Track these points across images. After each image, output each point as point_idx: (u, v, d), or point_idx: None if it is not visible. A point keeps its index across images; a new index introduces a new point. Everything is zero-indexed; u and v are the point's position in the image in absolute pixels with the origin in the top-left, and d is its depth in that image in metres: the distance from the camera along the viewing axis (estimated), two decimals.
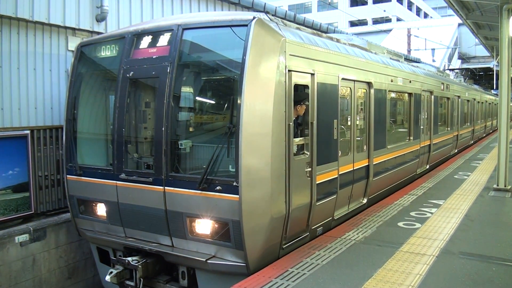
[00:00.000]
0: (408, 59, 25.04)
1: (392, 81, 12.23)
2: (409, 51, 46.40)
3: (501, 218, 10.14)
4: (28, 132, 9.75)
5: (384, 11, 67.56)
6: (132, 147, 8.54)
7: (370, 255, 7.53)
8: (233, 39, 7.25)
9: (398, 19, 76.84)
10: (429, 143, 16.24)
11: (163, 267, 8.08)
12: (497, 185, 12.92)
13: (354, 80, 9.93)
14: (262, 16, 7.30)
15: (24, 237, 9.26)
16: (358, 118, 10.36)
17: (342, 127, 9.49)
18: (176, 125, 7.89)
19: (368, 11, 79.73)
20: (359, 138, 10.44)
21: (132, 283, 7.99)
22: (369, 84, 10.71)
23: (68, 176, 9.09)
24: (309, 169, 8.02)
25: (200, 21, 7.85)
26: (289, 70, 7.31)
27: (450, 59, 59.40)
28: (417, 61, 32.45)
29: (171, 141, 7.62)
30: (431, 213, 10.25)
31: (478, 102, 29.90)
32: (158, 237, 7.95)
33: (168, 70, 7.59)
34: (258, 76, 6.93)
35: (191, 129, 8.25)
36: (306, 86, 7.98)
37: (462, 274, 6.70)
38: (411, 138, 14.20)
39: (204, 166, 7.23)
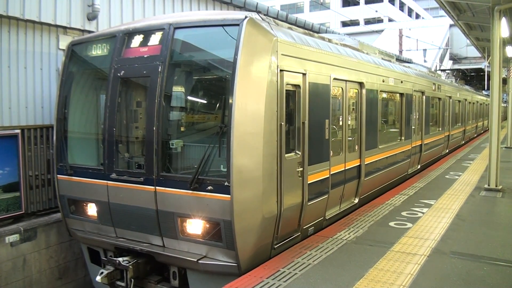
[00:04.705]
0: (399, 60, 25.14)
1: (383, 81, 12.25)
2: (400, 51, 46.58)
3: (492, 218, 10.19)
4: (18, 131, 9.68)
5: (376, 11, 67.72)
6: (123, 147, 8.51)
7: (361, 255, 7.53)
8: (224, 39, 7.24)
9: (390, 20, 77.05)
10: (420, 143, 16.29)
11: (154, 267, 8.05)
12: (488, 185, 12.99)
13: (345, 80, 9.94)
14: (254, 15, 7.29)
15: (14, 237, 9.20)
16: (349, 118, 10.37)
17: (333, 127, 9.50)
18: (167, 124, 7.87)
19: (360, 12, 79.91)
20: (350, 138, 10.46)
21: (123, 284, 7.96)
22: (361, 84, 10.72)
23: (58, 175, 9.04)
24: (301, 169, 8.02)
25: (191, 20, 7.83)
26: (280, 70, 7.30)
27: (441, 60, 59.67)
28: (409, 61, 32.54)
29: (162, 140, 7.60)
30: (423, 213, 10.28)
31: (469, 102, 30.04)
32: (149, 237, 7.92)
33: (160, 69, 7.56)
34: (250, 76, 6.91)
35: (182, 129, 8.23)
36: (297, 86, 7.97)
37: (453, 274, 6.72)
38: (403, 138, 14.23)
39: (195, 166, 7.21)
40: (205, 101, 8.79)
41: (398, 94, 14.07)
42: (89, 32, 11.11)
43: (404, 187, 13.44)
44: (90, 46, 8.90)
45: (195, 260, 7.25)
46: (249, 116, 6.84)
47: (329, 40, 10.09)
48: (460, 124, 25.92)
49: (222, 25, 7.35)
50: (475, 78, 56.09)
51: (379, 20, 76.02)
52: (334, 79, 9.29)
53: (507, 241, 8.35)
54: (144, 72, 7.87)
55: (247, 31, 6.89)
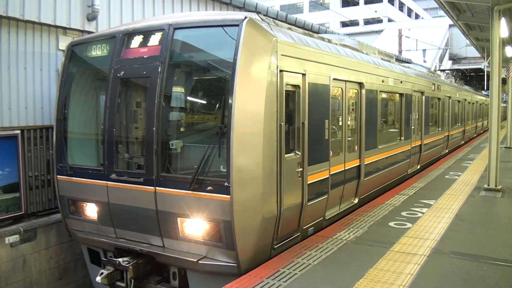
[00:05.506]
0: (399, 60, 25.14)
1: (383, 81, 12.26)
2: (400, 51, 46.59)
3: (492, 218, 10.19)
4: (18, 132, 9.68)
5: (376, 11, 67.75)
6: (123, 147, 8.50)
7: (361, 255, 7.54)
8: (224, 39, 7.25)
9: (390, 20, 77.10)
10: (420, 143, 16.30)
11: (154, 267, 8.05)
12: (488, 185, 12.99)
13: (345, 81, 9.94)
14: (254, 16, 7.30)
15: (14, 238, 9.20)
16: (349, 118, 10.37)
17: (333, 127, 9.50)
18: (167, 125, 7.87)
19: (359, 12, 79.96)
20: (350, 138, 10.46)
21: (123, 284, 7.96)
22: (361, 84, 10.73)
23: (58, 176, 9.04)
24: (301, 169, 8.02)
25: (191, 20, 7.83)
26: (280, 70, 7.30)
27: (441, 60, 59.65)
28: (408, 61, 32.56)
29: (162, 141, 7.60)
30: (422, 213, 10.28)
31: (469, 102, 30.06)
32: (149, 238, 7.92)
33: (159, 70, 7.56)
34: (250, 76, 6.92)
35: (182, 129, 8.21)
36: (297, 86, 7.98)
37: (453, 274, 6.73)
38: (402, 138, 14.24)
39: (195, 166, 7.21)
40: (205, 102, 8.79)
41: (397, 94, 14.07)
42: (89, 32, 11.11)
43: (403, 187, 13.44)
44: (90, 46, 8.90)
45: (195, 260, 7.25)
46: (249, 117, 6.85)
47: (329, 41, 10.09)
48: (459, 124, 25.93)
49: (222, 26, 7.35)
50: (474, 78, 56.11)
51: (379, 20, 76.05)
52: (334, 79, 9.30)
53: (507, 241, 8.36)
54: (144, 72, 7.87)
55: (246, 32, 6.89)
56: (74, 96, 9.22)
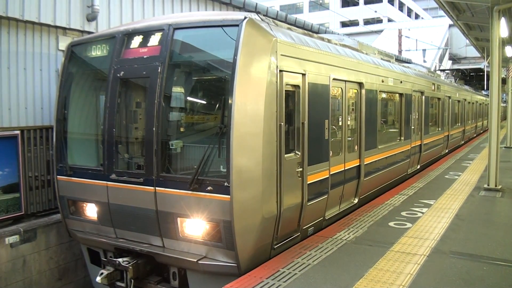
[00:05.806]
0: (399, 60, 25.13)
1: (383, 81, 12.26)
2: (400, 51, 46.59)
3: (492, 218, 10.19)
4: (18, 132, 9.68)
5: (375, 12, 67.73)
6: (122, 148, 8.50)
7: (361, 255, 7.54)
8: (224, 39, 7.24)
9: (389, 20, 77.08)
10: (420, 143, 16.30)
11: (154, 268, 8.05)
12: (488, 185, 12.99)
13: (345, 81, 9.95)
14: (254, 16, 7.30)
15: (14, 238, 9.20)
16: (349, 118, 10.38)
17: (333, 127, 9.50)
18: (167, 125, 7.86)
19: (359, 12, 79.97)
20: (350, 138, 10.46)
21: (123, 284, 7.97)
22: (360, 84, 10.73)
23: (58, 176, 9.04)
24: (300, 169, 8.02)
25: (191, 21, 7.83)
26: (280, 70, 7.31)
27: (441, 60, 59.65)
28: (408, 61, 32.54)
29: (162, 141, 7.60)
30: (422, 213, 10.28)
31: (469, 102, 30.07)
32: (149, 238, 7.92)
33: (159, 70, 7.55)
34: (249, 76, 6.91)
35: (182, 129, 8.21)
36: (297, 86, 7.98)
37: (453, 274, 6.73)
38: (402, 138, 14.24)
39: (195, 167, 7.21)
40: (204, 102, 8.79)
41: (397, 94, 14.07)
42: (89, 33, 11.11)
43: (403, 187, 13.44)
44: (90, 47, 8.89)
45: (195, 260, 7.25)
46: (248, 117, 6.85)
47: (329, 41, 10.09)
48: (459, 124, 25.93)
49: (222, 26, 7.35)
50: (474, 78, 56.10)
51: (379, 21, 76.03)
52: (334, 79, 9.30)
53: (507, 241, 8.36)
54: (144, 72, 7.87)
55: (246, 32, 6.89)
56: (74, 96, 9.21)
